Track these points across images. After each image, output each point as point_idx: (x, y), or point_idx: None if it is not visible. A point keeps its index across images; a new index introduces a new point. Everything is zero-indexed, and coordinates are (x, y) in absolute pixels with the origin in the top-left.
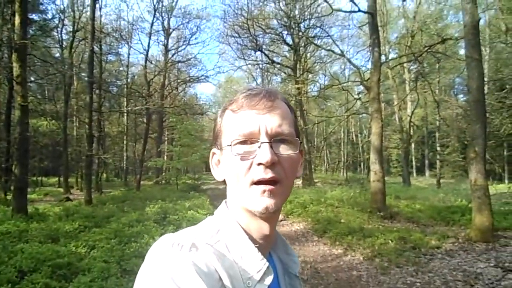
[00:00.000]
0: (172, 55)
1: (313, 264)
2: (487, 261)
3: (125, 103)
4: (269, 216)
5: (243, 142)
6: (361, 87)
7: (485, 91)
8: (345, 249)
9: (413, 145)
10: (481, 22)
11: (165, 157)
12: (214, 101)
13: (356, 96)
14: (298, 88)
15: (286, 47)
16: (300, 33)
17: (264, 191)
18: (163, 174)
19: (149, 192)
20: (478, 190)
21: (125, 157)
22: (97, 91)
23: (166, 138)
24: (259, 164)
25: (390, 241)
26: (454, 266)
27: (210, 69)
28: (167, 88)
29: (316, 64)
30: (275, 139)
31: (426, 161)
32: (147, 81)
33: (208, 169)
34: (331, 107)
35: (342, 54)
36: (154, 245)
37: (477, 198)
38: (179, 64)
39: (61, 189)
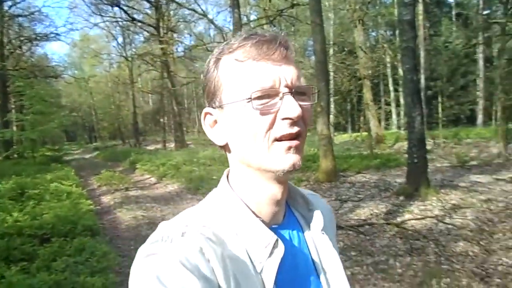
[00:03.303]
0: (9, 8)
1: None
2: (330, 196)
3: None
4: (289, 176)
5: (261, 97)
6: None
7: (331, 53)
8: None
9: None
10: None
11: (15, 128)
12: (70, 62)
13: None
14: (163, 48)
15: (147, 3)
16: None
17: (290, 148)
18: (14, 147)
19: None
20: (323, 139)
21: None
22: None
23: (13, 106)
24: (285, 118)
25: None
26: None
27: (60, 26)
28: (7, 47)
29: (180, 23)
30: (295, 91)
31: None
32: None
33: (70, 138)
34: (199, 68)
35: (204, 14)
36: (148, 238)
37: (323, 146)
38: (20, 18)
39: None
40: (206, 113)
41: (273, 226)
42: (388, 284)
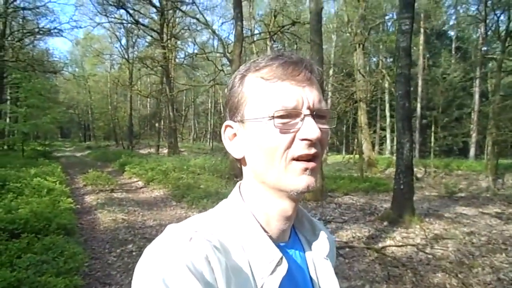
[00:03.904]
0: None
1: None
2: (315, 216)
3: None
4: (302, 196)
5: (282, 116)
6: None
7: (330, 74)
8: (200, 211)
9: None
10: (332, 11)
11: (8, 119)
12: (71, 59)
13: (219, 68)
14: (164, 54)
15: (153, 9)
16: None
17: (306, 169)
18: (5, 138)
19: None
20: None
21: None
22: None
23: (8, 97)
24: (304, 139)
25: None
26: None
27: (64, 22)
28: (9, 39)
29: (184, 31)
30: (316, 114)
31: None
32: None
33: (64, 135)
34: (199, 77)
35: (206, 24)
36: (155, 240)
37: None
38: (24, 11)
39: None
40: (226, 126)
41: (280, 243)
42: None
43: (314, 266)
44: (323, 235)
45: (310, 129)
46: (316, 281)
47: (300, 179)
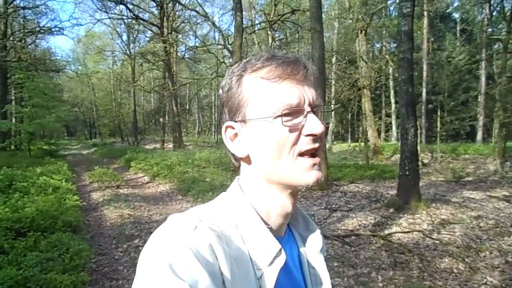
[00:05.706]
0: None
1: None
2: (320, 205)
3: None
4: (303, 192)
5: (287, 114)
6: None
7: (333, 61)
8: None
9: None
10: None
11: (14, 120)
12: (74, 58)
13: (221, 60)
14: (166, 48)
15: (152, 3)
16: None
17: (314, 165)
18: (11, 138)
19: None
20: None
21: None
22: None
23: (13, 98)
24: (309, 135)
25: None
26: None
27: (65, 20)
28: (10, 39)
29: (185, 24)
30: (316, 110)
31: None
32: None
33: (70, 133)
34: (202, 70)
35: (206, 16)
36: (159, 228)
37: None
38: (25, 10)
39: None
40: (227, 127)
41: (277, 237)
42: None
43: (307, 260)
44: (316, 231)
45: (315, 124)
46: (309, 274)
47: (310, 174)
